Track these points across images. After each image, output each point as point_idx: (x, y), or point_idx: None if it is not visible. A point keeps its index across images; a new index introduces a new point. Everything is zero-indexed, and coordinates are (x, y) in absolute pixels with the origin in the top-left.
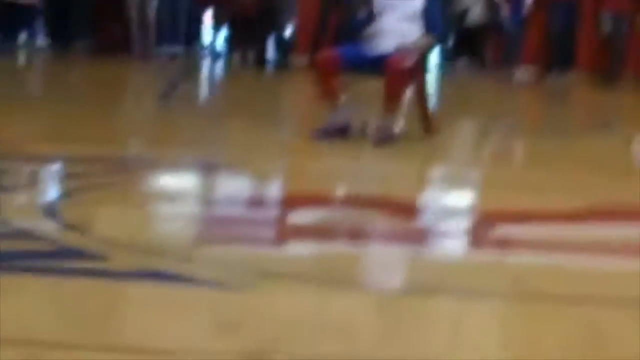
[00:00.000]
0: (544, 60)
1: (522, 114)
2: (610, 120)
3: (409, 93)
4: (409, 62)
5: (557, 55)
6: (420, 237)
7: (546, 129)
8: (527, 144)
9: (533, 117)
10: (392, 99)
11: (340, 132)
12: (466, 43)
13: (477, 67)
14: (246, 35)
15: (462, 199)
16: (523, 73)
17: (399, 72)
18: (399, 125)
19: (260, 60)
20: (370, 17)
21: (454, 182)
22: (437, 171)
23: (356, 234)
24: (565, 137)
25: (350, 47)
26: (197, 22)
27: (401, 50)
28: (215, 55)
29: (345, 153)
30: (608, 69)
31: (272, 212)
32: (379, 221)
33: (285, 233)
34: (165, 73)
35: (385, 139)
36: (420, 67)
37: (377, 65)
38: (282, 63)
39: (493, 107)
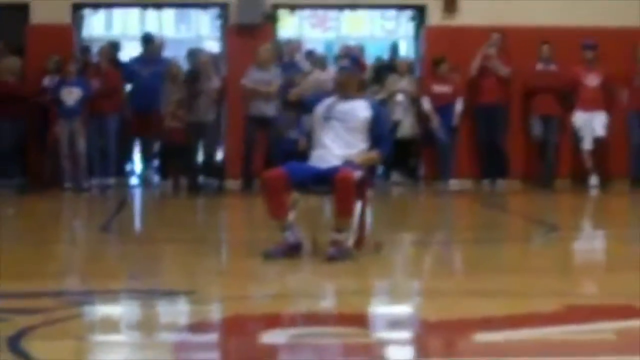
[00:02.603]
0: (477, 168)
1: (461, 224)
2: (549, 224)
3: (358, 207)
4: (356, 175)
5: (489, 163)
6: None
7: (486, 236)
8: (473, 252)
9: (473, 227)
10: (343, 212)
11: (291, 250)
12: (398, 156)
13: (409, 180)
14: (177, 162)
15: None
16: (457, 183)
17: (348, 185)
18: (352, 239)
19: (193, 187)
20: (305, 136)
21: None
22: (392, 285)
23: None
24: (512, 243)
25: (296, 165)
26: (128, 152)
27: (348, 164)
28: (147, 185)
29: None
30: (541, 173)
31: (243, 337)
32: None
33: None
34: None
35: (339, 254)
36: (367, 181)
37: (325, 180)
38: (215, 188)
39: (432, 219)
